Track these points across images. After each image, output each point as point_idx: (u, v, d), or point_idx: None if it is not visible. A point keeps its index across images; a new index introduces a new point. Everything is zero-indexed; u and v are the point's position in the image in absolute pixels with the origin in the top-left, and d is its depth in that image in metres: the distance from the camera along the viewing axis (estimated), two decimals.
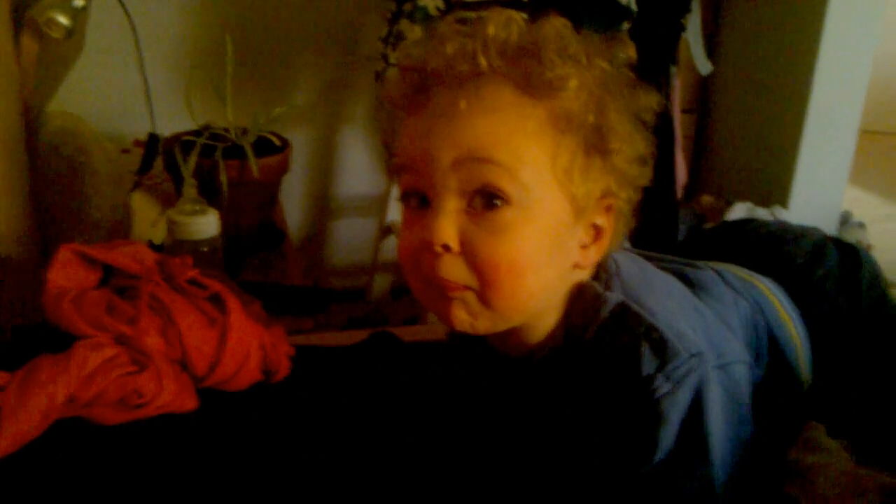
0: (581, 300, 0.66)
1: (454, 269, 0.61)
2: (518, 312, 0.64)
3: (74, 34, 0.89)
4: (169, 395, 0.77)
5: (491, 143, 0.60)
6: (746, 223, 1.06)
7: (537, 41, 0.61)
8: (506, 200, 0.60)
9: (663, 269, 0.74)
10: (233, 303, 0.83)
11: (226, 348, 0.80)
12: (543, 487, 0.67)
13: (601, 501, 0.64)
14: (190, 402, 0.79)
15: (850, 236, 1.73)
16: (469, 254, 0.60)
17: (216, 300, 0.84)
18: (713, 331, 0.66)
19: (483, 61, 0.61)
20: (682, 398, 0.60)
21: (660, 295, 0.67)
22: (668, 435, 0.60)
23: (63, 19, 0.87)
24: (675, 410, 0.60)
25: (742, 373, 0.66)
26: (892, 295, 0.89)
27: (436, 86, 0.63)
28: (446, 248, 0.60)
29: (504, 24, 0.62)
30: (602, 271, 0.68)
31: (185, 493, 0.69)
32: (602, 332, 0.64)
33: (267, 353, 0.84)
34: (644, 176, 0.67)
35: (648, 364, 0.61)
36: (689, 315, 0.66)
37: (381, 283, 1.76)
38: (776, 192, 1.71)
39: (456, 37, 0.62)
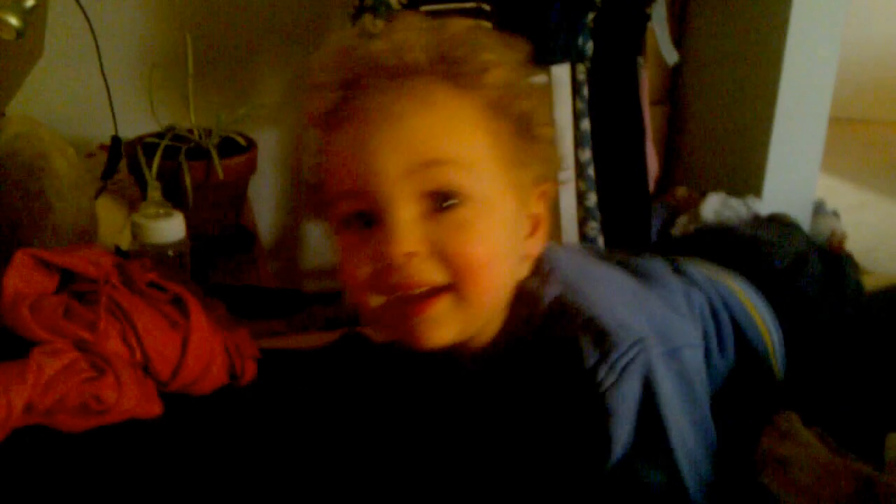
0: (520, 299, 0.66)
1: (427, 271, 0.60)
2: (487, 309, 0.64)
3: (24, 35, 0.87)
4: (131, 400, 0.75)
5: (439, 141, 0.59)
6: (728, 229, 1.08)
7: (454, 35, 0.61)
8: (464, 196, 0.59)
9: (605, 260, 0.73)
10: (194, 305, 0.81)
11: (188, 351, 0.79)
12: (512, 492, 0.66)
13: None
14: (154, 408, 0.77)
15: (824, 225, 1.73)
16: (440, 254, 0.59)
17: (178, 303, 0.82)
18: (658, 316, 0.65)
19: (410, 57, 0.60)
20: (630, 388, 0.59)
21: (598, 284, 0.66)
22: (622, 427, 0.59)
23: (12, 20, 0.85)
24: (622, 401, 0.59)
25: (694, 356, 0.65)
26: (866, 283, 0.90)
27: (360, 93, 0.61)
28: (412, 255, 0.59)
29: (416, 25, 0.62)
30: (539, 267, 0.67)
31: (152, 499, 0.68)
32: (543, 328, 0.64)
33: (231, 356, 0.83)
34: (560, 162, 0.68)
35: (590, 356, 0.60)
36: (631, 302, 0.65)
37: None
38: (749, 181, 1.71)
39: (373, 41, 0.61)
